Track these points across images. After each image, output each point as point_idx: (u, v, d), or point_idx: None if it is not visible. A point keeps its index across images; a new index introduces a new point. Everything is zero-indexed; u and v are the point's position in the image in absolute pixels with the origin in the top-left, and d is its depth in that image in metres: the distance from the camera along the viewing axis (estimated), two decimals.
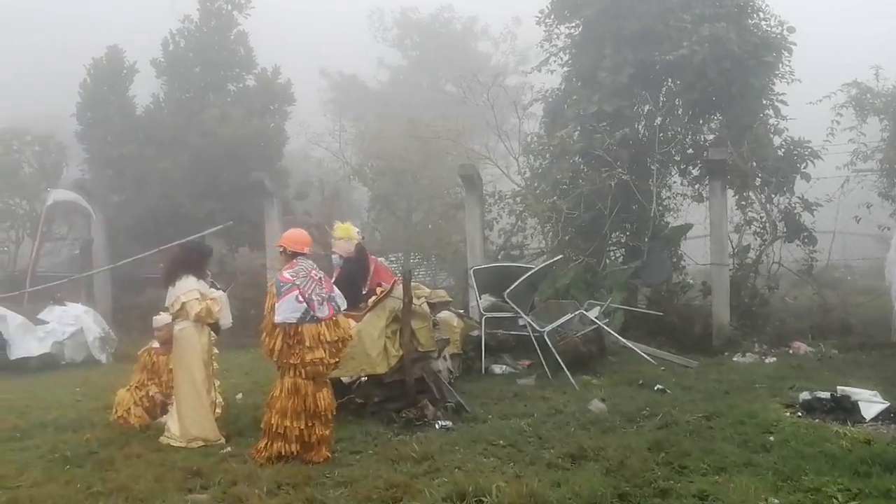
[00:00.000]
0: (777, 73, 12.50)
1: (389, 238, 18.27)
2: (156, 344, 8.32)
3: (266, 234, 14.46)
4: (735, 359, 10.68)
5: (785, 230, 12.69)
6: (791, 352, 11.02)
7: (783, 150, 12.77)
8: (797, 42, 12.64)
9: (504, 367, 10.10)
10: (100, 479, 5.93)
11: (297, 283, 6.34)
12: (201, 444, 6.98)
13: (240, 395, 9.05)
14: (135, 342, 13.58)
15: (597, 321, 9.95)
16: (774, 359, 10.54)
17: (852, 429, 6.37)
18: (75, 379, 11.13)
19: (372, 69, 33.09)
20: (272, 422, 6.32)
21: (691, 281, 13.46)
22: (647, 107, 13.19)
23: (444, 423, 7.30)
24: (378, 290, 8.00)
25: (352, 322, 7.86)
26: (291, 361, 6.29)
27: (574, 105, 13.57)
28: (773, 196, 12.74)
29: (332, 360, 6.48)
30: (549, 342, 9.40)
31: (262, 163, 16.20)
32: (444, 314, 9.25)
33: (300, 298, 6.27)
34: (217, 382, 7.64)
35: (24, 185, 18.56)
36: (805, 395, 7.20)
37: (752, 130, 12.25)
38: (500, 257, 13.92)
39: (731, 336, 11.49)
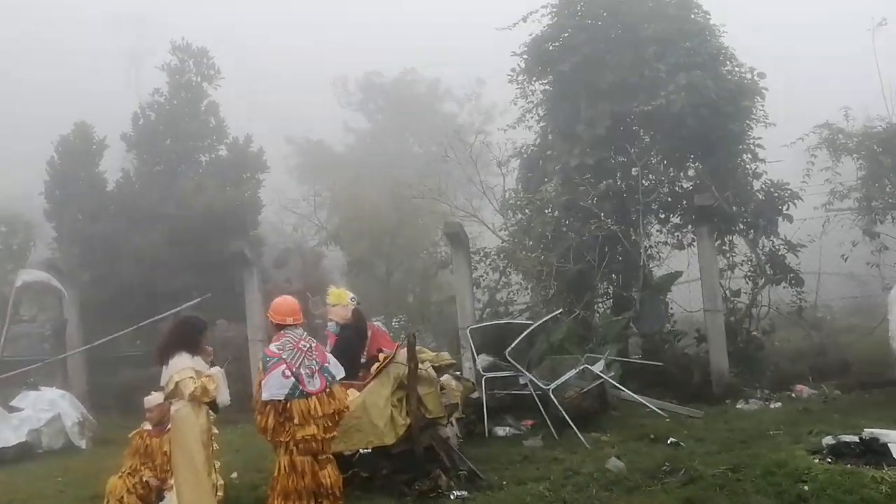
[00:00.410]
0: (753, 117, 12.65)
1: (369, 301, 17.94)
2: (148, 426, 7.91)
3: (246, 304, 14.09)
4: (739, 406, 10.51)
5: (772, 272, 12.71)
6: (794, 395, 10.88)
7: (763, 193, 12.89)
8: (768, 87, 12.90)
9: (507, 428, 9.78)
10: None
11: (284, 356, 6.06)
12: None
13: (234, 475, 8.62)
14: (115, 425, 13.09)
15: (602, 375, 9.72)
16: (779, 404, 10.39)
17: (889, 472, 6.13)
18: (55, 468, 10.52)
19: (338, 134, 33.25)
20: None
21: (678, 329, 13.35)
22: (626, 158, 13.23)
23: (459, 493, 7.01)
24: (381, 356, 7.73)
25: (354, 392, 7.59)
26: (283, 439, 5.98)
27: (553, 159, 13.61)
28: (757, 239, 12.79)
29: (327, 435, 6.16)
30: (554, 400, 9.14)
31: (238, 232, 15.92)
32: (443, 377, 8.96)
33: (287, 373, 6.00)
34: (217, 464, 7.23)
35: None
36: (829, 440, 7.00)
37: (733, 175, 12.33)
38: (485, 315, 13.71)
39: (731, 383, 11.31)
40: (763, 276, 12.58)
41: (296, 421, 5.97)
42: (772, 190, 12.83)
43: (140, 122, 17.22)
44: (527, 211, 13.74)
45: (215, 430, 7.20)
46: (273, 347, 6.18)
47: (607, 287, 13.54)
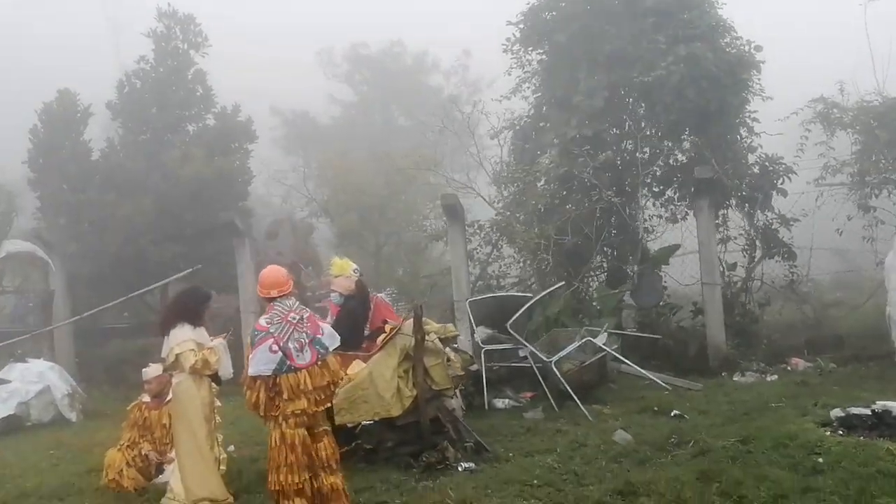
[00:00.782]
0: (751, 90, 12.57)
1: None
2: (146, 398, 7.77)
3: (238, 275, 13.86)
4: (735, 378, 10.55)
5: (765, 246, 12.72)
6: (790, 369, 10.93)
7: (758, 166, 12.87)
8: (765, 60, 12.81)
9: (506, 401, 9.73)
10: None
11: (272, 330, 5.87)
12: None
13: (231, 448, 8.49)
14: (105, 397, 12.93)
15: (605, 348, 9.68)
16: (775, 377, 10.42)
17: None
18: (47, 441, 10.30)
19: (323, 105, 32.88)
20: (270, 479, 5.85)
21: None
22: (624, 129, 13.11)
23: (466, 465, 6.93)
24: (386, 327, 7.61)
25: (359, 363, 7.48)
26: (273, 414, 5.84)
27: (548, 130, 13.46)
28: (752, 213, 12.78)
29: (319, 408, 5.98)
30: (556, 372, 9.09)
31: (227, 203, 15.65)
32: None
33: (274, 348, 5.78)
34: (220, 437, 7.10)
35: None
36: (838, 413, 7.00)
37: (731, 148, 12.27)
38: (477, 287, 13.62)
39: (727, 356, 11.33)
40: (758, 250, 12.54)
41: (285, 396, 5.77)
42: (766, 164, 12.80)
43: (125, 90, 16.74)
44: (519, 184, 13.61)
45: (218, 403, 7.08)
46: (262, 321, 5.96)
47: (601, 261, 13.51)
